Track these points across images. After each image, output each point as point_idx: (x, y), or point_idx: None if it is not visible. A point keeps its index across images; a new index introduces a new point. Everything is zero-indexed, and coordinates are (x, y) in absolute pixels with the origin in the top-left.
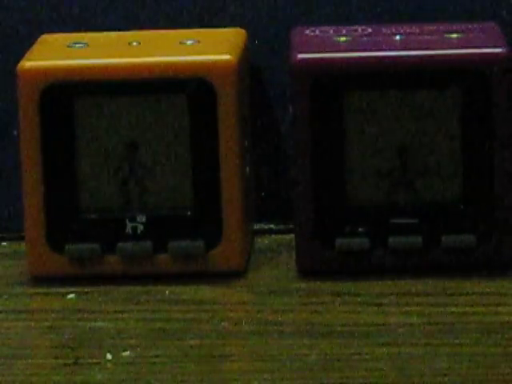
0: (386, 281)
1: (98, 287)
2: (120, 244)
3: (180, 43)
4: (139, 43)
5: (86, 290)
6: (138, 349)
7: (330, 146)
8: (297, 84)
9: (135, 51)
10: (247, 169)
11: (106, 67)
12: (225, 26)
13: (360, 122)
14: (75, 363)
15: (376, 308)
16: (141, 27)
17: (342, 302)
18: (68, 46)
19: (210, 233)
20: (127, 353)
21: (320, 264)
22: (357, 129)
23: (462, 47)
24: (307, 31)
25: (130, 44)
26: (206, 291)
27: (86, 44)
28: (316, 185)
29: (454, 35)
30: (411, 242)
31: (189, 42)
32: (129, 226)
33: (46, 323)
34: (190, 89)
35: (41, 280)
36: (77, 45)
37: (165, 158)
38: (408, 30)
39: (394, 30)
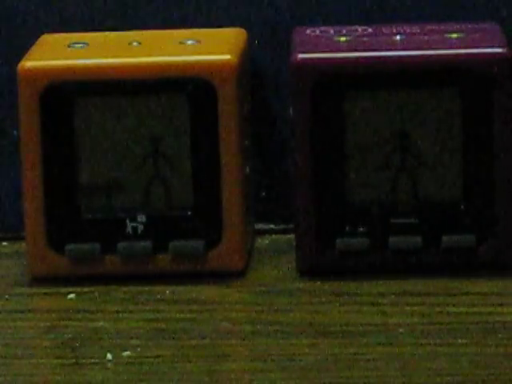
0: (386, 281)
1: (98, 287)
2: (120, 244)
3: (180, 43)
4: (139, 43)
5: (85, 289)
6: (138, 349)
7: (330, 146)
8: (297, 84)
9: (135, 51)
10: (247, 169)
11: (106, 67)
12: (225, 26)
13: (360, 121)
14: (75, 363)
15: (376, 308)
16: (141, 27)
17: (342, 302)
18: (68, 46)
19: (210, 233)
20: (127, 353)
21: (320, 264)
22: (357, 129)
23: (462, 47)
24: (308, 31)
25: (130, 44)
26: (206, 291)
27: (86, 44)
28: (316, 185)
29: (454, 35)
30: (411, 241)
31: (189, 42)
32: (129, 225)
33: (46, 323)
34: (190, 89)
35: (41, 280)
36: (77, 45)
37: (164, 157)
38: (408, 30)
39: (394, 30)
